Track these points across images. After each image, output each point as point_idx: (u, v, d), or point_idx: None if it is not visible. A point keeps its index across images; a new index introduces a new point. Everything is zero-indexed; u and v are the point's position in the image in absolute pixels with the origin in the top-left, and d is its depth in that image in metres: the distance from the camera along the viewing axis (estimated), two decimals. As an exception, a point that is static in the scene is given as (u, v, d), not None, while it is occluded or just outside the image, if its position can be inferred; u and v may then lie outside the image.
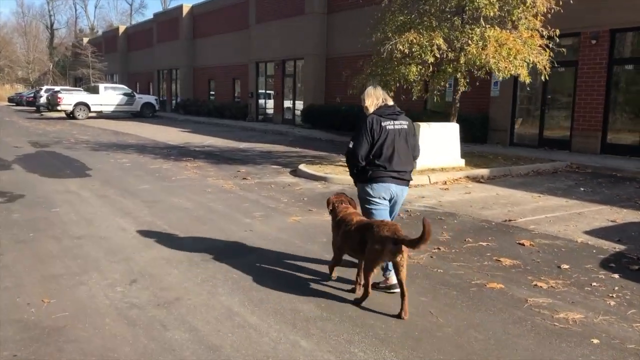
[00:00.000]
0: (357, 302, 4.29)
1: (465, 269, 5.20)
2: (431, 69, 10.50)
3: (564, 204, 8.34)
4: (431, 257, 5.58)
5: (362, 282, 4.32)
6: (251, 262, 5.31)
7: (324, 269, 5.02)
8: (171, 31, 37.48)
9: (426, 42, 9.96)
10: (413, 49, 9.98)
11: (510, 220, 7.20)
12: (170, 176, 10.68)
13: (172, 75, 38.51)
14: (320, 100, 23.90)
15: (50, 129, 23.09)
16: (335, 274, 4.84)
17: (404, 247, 4.01)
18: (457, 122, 11.67)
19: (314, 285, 4.71)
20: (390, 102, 4.75)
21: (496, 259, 5.52)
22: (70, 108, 30.19)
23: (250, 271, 5.03)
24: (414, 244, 3.92)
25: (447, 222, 7.15)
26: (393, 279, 4.45)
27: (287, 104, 26.54)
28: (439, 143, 11.01)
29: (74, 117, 30.04)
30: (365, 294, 4.23)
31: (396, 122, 4.62)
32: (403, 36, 10.05)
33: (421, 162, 10.80)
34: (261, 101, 28.58)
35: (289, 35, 25.15)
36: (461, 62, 10.11)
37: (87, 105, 30.65)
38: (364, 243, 4.17)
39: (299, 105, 25.42)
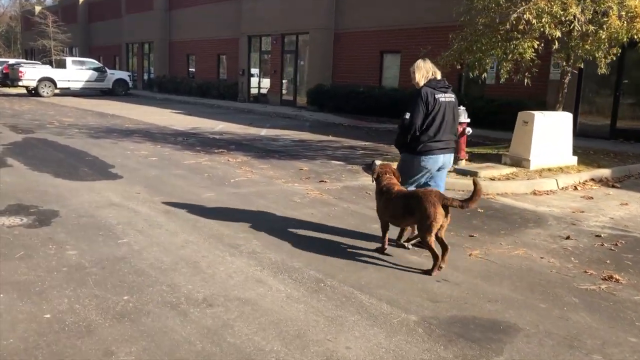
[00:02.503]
0: (428, 272, 4.38)
1: None
2: (557, 45, 8.45)
3: None
4: None
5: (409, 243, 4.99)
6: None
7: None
8: (143, 1, 34.01)
9: (560, 10, 7.88)
10: (543, 19, 7.89)
11: None
12: (227, 177, 8.31)
13: (144, 49, 35.12)
14: (327, 80, 21.55)
15: (18, 108, 19.93)
16: (387, 243, 4.91)
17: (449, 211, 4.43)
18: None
19: None
20: (439, 76, 4.98)
21: None
22: (33, 84, 26.74)
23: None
24: (464, 204, 4.33)
25: (679, 256, 5.18)
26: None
27: (286, 83, 24.05)
28: (554, 137, 9.01)
29: (37, 94, 26.63)
30: (435, 260, 4.37)
31: (446, 95, 4.92)
32: (531, 2, 7.93)
33: (536, 161, 8.85)
34: (254, 80, 25.94)
35: (290, 7, 22.56)
36: (602, 36, 8.07)
37: (53, 81, 27.23)
38: (407, 210, 4.52)
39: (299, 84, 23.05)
